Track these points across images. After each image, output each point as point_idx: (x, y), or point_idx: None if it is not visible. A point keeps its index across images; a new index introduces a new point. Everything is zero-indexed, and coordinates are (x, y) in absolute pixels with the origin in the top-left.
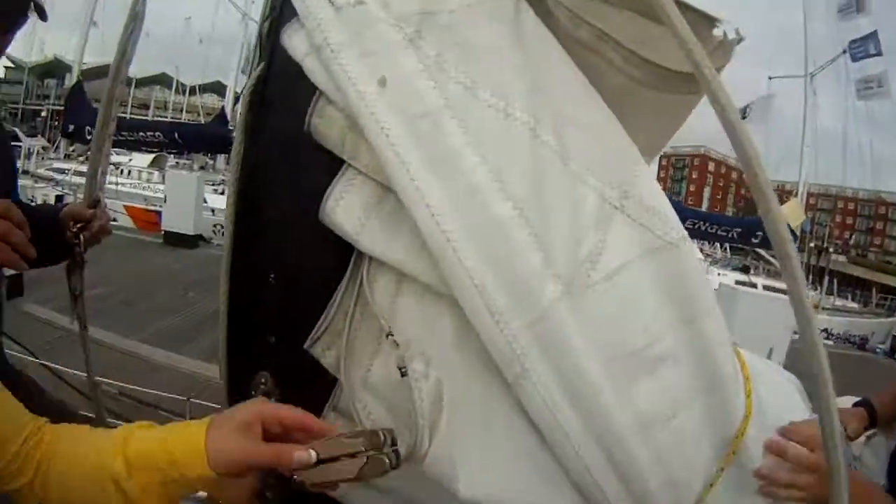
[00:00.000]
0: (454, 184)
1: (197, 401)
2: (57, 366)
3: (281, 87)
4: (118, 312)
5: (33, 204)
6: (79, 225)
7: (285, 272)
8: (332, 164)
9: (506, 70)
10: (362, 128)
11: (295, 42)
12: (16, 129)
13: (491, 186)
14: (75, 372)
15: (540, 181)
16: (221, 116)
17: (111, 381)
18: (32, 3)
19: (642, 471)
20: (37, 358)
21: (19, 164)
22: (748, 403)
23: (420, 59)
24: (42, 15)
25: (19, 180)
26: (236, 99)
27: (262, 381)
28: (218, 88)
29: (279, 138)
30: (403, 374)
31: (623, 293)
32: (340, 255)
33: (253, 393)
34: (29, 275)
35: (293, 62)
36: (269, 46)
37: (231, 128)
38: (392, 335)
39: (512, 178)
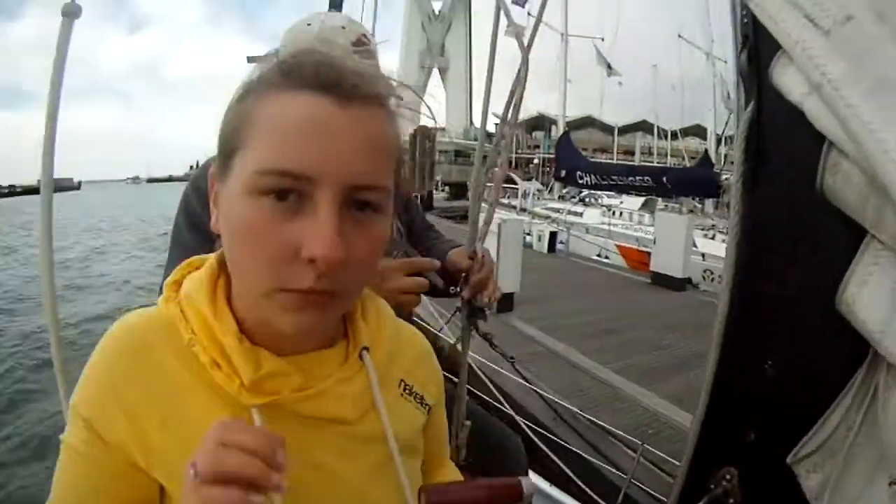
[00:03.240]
0: None
1: (649, 447)
2: (527, 374)
3: (777, 131)
4: (599, 341)
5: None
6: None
7: (785, 362)
8: (851, 234)
9: None
10: (885, 187)
11: (787, 81)
12: (512, 174)
13: None
14: (539, 381)
15: None
16: (705, 160)
17: (564, 404)
18: None
19: None
20: (512, 362)
21: (516, 202)
22: None
23: None
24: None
25: (521, 216)
26: (718, 141)
27: (727, 476)
28: (698, 131)
29: (782, 195)
30: None
31: None
32: (855, 352)
33: (712, 486)
34: (521, 295)
35: (787, 102)
36: (755, 84)
37: (717, 171)
38: None
39: None
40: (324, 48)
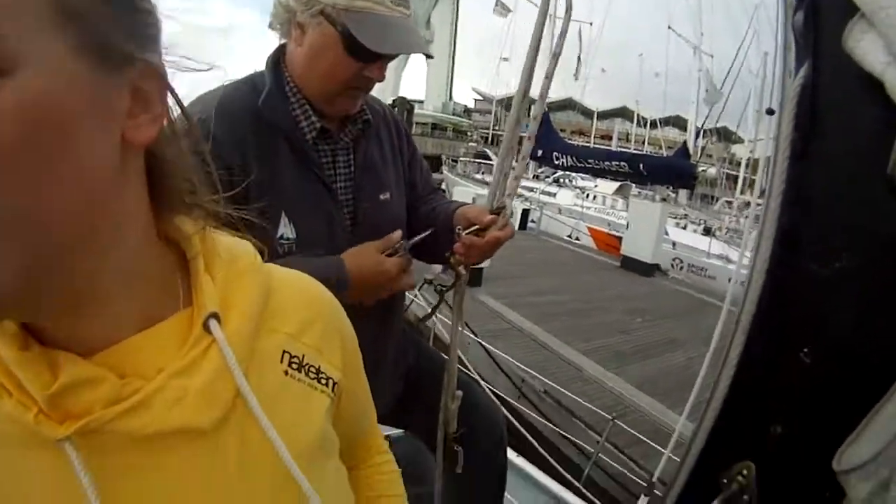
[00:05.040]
0: None
1: (620, 423)
2: (495, 349)
3: (837, 102)
4: (567, 321)
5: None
6: (472, 228)
7: (826, 350)
8: None
9: None
10: None
11: (865, 47)
12: (487, 150)
13: None
14: (508, 357)
15: None
16: (683, 150)
17: (540, 378)
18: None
19: None
20: (478, 338)
21: (490, 178)
22: None
23: None
24: (428, 56)
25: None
26: (697, 133)
27: (743, 472)
28: (678, 122)
29: (838, 168)
30: None
31: None
32: None
33: (724, 482)
34: (490, 271)
35: (851, 69)
36: (811, 46)
37: (694, 163)
38: None
39: None
40: None
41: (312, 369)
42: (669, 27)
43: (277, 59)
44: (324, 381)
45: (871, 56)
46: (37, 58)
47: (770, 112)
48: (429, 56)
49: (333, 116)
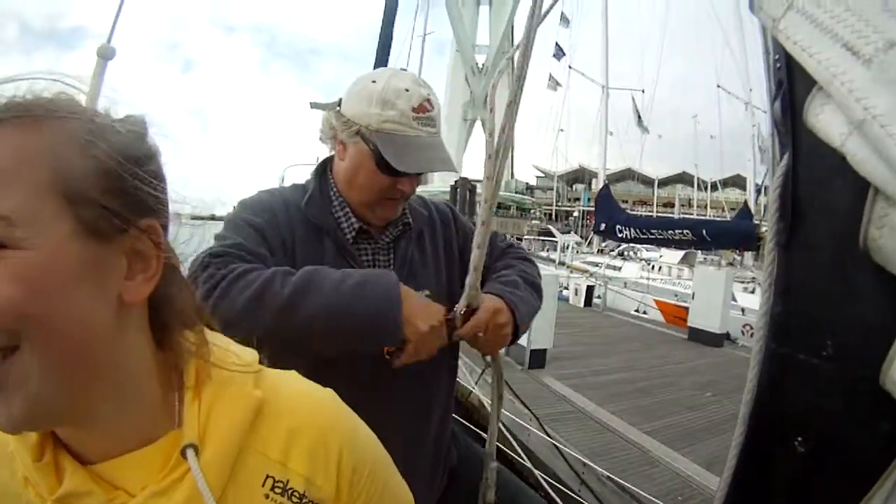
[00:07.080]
0: None
1: None
2: (555, 433)
3: (815, 184)
4: (633, 400)
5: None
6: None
7: (818, 439)
8: None
9: None
10: None
11: (824, 120)
12: (550, 227)
13: None
14: (567, 443)
15: None
16: (745, 211)
17: (603, 462)
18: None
19: None
20: (540, 422)
21: (555, 256)
22: None
23: None
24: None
25: (556, 270)
26: (758, 191)
27: None
28: (738, 181)
29: (820, 254)
30: None
31: None
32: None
33: None
34: (554, 351)
35: (821, 149)
36: (790, 133)
37: (756, 223)
38: None
39: None
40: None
41: (296, 494)
42: (719, 86)
43: (325, 168)
44: None
45: (832, 129)
46: (37, 241)
47: None
48: (453, 172)
49: (376, 222)
